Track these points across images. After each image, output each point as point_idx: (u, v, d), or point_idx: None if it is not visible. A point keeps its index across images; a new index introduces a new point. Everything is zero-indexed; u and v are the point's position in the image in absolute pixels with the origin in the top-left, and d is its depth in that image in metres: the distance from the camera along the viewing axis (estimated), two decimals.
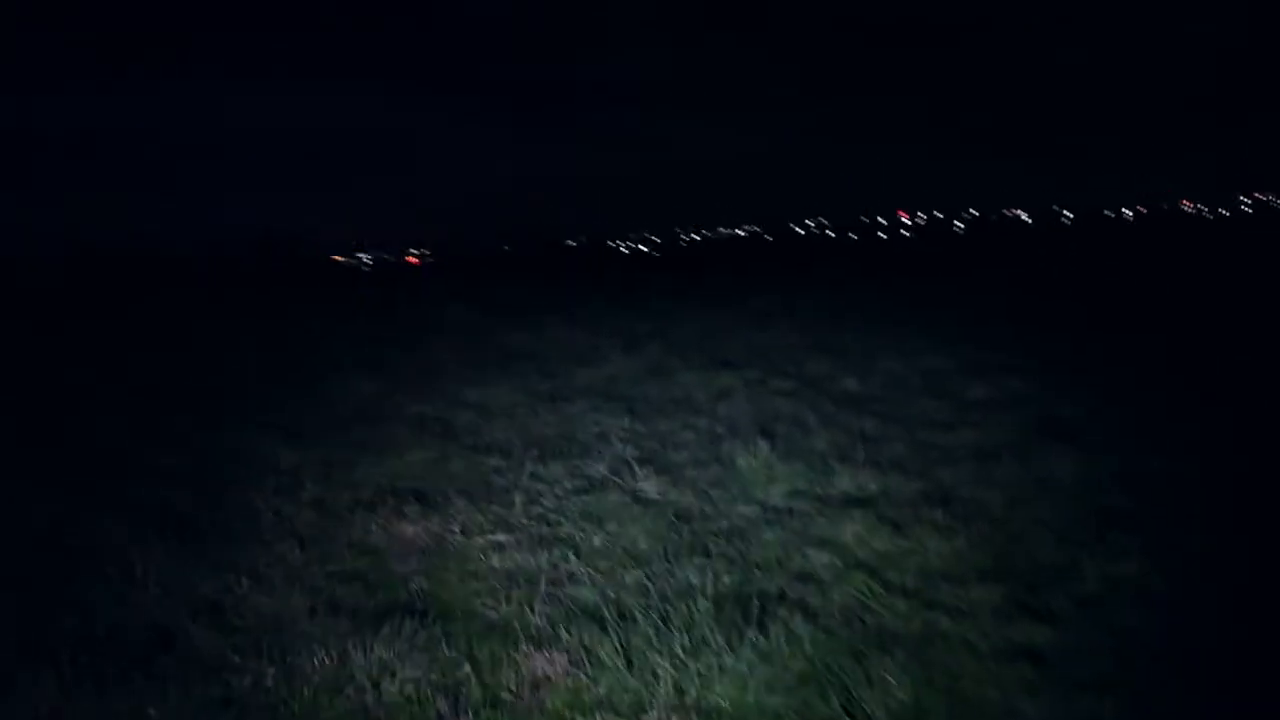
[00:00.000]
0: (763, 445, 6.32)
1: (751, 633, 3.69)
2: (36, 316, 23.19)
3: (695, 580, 4.28)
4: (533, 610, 4.06)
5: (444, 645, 3.76)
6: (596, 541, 4.90)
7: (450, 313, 17.29)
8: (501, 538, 4.94)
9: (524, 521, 5.20)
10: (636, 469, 6.02)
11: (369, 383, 9.30)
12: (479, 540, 4.92)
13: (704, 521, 5.20)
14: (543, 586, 4.29)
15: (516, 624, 3.97)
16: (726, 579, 4.33)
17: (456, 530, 5.07)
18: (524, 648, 3.74)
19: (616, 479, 5.91)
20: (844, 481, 5.78)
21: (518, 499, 5.50)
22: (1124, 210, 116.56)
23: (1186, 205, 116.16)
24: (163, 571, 4.49)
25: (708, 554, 4.65)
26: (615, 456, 6.44)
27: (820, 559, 4.64)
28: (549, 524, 5.17)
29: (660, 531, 5.02)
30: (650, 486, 5.76)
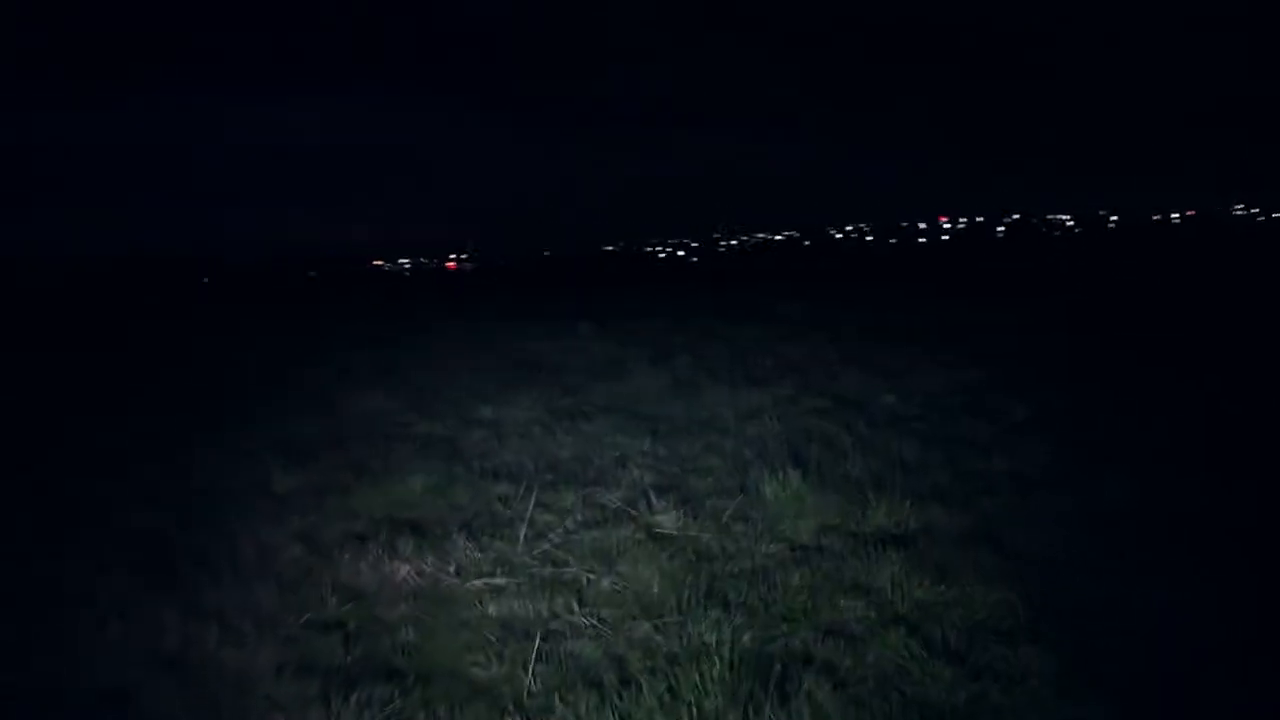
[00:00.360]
0: (793, 473, 5.81)
1: (770, 706, 3.21)
2: (36, 321, 23.10)
3: (710, 637, 3.80)
4: (527, 671, 3.61)
5: (422, 714, 3.33)
6: (604, 585, 4.44)
7: (475, 321, 16.94)
8: (500, 580, 4.49)
9: (527, 560, 4.75)
10: (654, 499, 5.55)
11: (380, 397, 8.91)
12: (476, 583, 4.48)
13: (725, 562, 4.72)
14: (540, 641, 3.83)
15: (507, 688, 3.52)
16: (746, 636, 3.85)
17: (452, 570, 4.63)
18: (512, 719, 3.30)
19: (632, 510, 5.44)
20: (880, 515, 5.27)
21: (522, 533, 5.05)
22: (1172, 215, 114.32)
23: (1239, 209, 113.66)
24: (127, 616, 4.10)
25: (726, 604, 4.17)
26: (632, 484, 5.98)
27: (853, 609, 4.14)
28: (554, 563, 4.72)
29: (676, 574, 4.55)
30: (668, 520, 5.28)
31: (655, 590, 4.37)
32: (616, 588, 4.41)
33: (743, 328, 14.27)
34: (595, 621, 4.06)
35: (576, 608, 4.19)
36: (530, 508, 5.43)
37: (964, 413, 7.84)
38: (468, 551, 4.85)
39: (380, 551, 4.83)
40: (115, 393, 9.87)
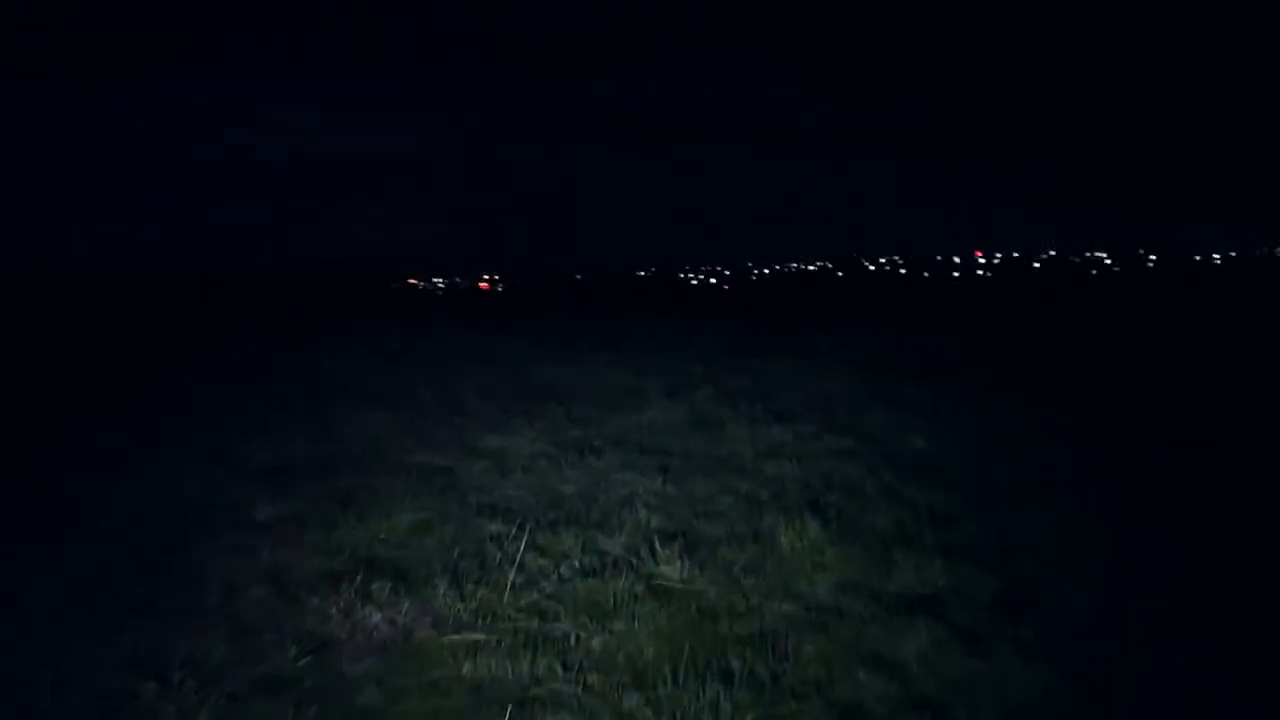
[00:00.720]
0: (811, 522, 5.34)
1: None
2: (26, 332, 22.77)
3: (707, 716, 3.35)
4: None
5: None
6: (595, 645, 3.99)
7: (492, 343, 16.53)
8: (480, 636, 4.04)
9: (512, 613, 4.30)
10: (659, 545, 5.09)
11: (381, 422, 8.50)
12: (453, 637, 4.04)
13: (732, 621, 4.25)
14: (514, 712, 3.38)
15: None
16: (749, 715, 3.39)
17: (429, 621, 4.19)
18: None
19: (634, 558, 4.99)
20: (907, 574, 4.79)
21: (512, 581, 4.61)
22: (1214, 255, 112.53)
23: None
24: (64, 664, 3.70)
25: (729, 674, 3.70)
26: (637, 527, 5.53)
27: (873, 686, 3.67)
28: (542, 617, 4.27)
29: (675, 635, 4.09)
30: (673, 571, 4.82)
31: (650, 654, 3.91)
32: (607, 650, 3.95)
33: (769, 359, 13.78)
34: (579, 690, 3.60)
35: (560, 672, 3.74)
36: (521, 551, 5.00)
37: (999, 458, 7.33)
38: (449, 599, 4.41)
39: (353, 595, 4.41)
40: (106, 406, 9.55)
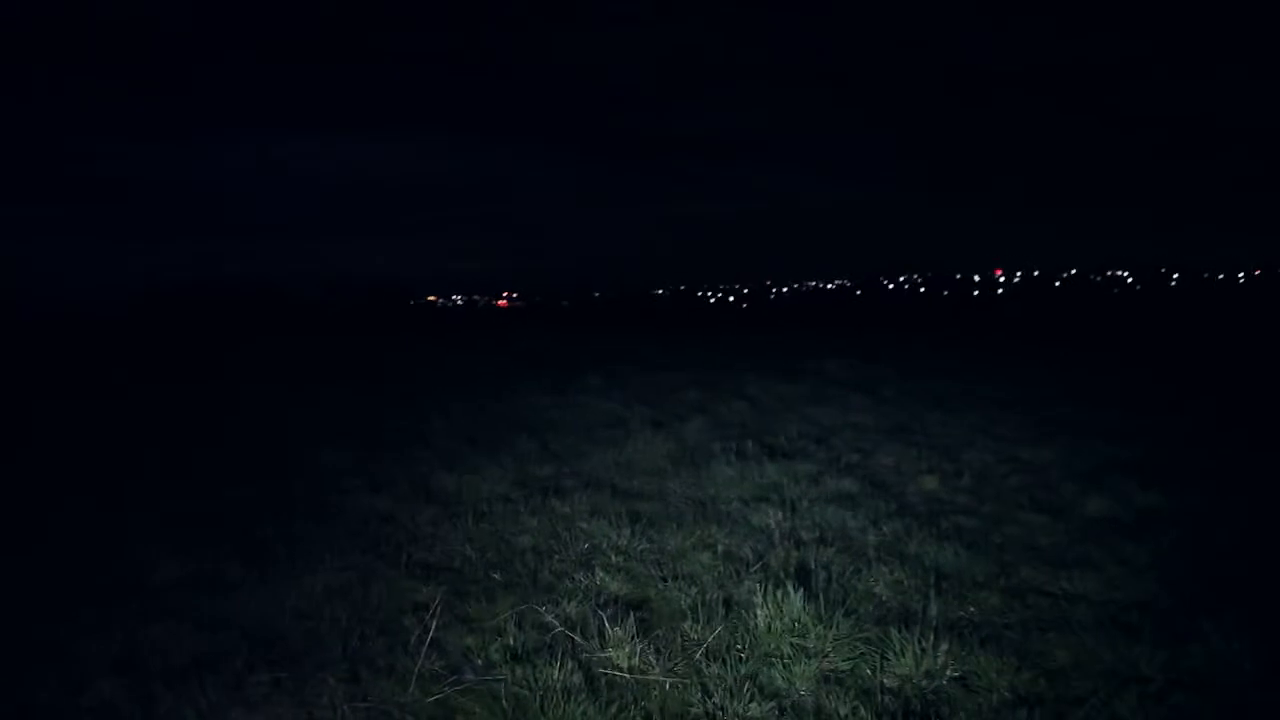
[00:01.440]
0: (794, 594, 4.46)
1: None
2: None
3: None
4: None
5: None
6: None
7: (486, 366, 15.75)
8: None
9: (411, 718, 3.47)
10: (609, 622, 4.23)
11: (334, 457, 7.69)
12: None
13: None
14: None
15: None
16: None
17: None
18: None
19: (577, 637, 4.14)
20: (906, 663, 3.91)
21: (423, 667, 3.78)
22: (1238, 274, 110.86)
23: None
24: None
25: None
26: (590, 592, 4.69)
27: None
28: None
29: None
30: (622, 655, 3.97)
31: None
32: None
33: (773, 385, 12.91)
34: None
35: None
36: (449, 625, 4.17)
37: (1023, 504, 6.44)
38: (337, 696, 3.58)
39: (221, 693, 3.59)
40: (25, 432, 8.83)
